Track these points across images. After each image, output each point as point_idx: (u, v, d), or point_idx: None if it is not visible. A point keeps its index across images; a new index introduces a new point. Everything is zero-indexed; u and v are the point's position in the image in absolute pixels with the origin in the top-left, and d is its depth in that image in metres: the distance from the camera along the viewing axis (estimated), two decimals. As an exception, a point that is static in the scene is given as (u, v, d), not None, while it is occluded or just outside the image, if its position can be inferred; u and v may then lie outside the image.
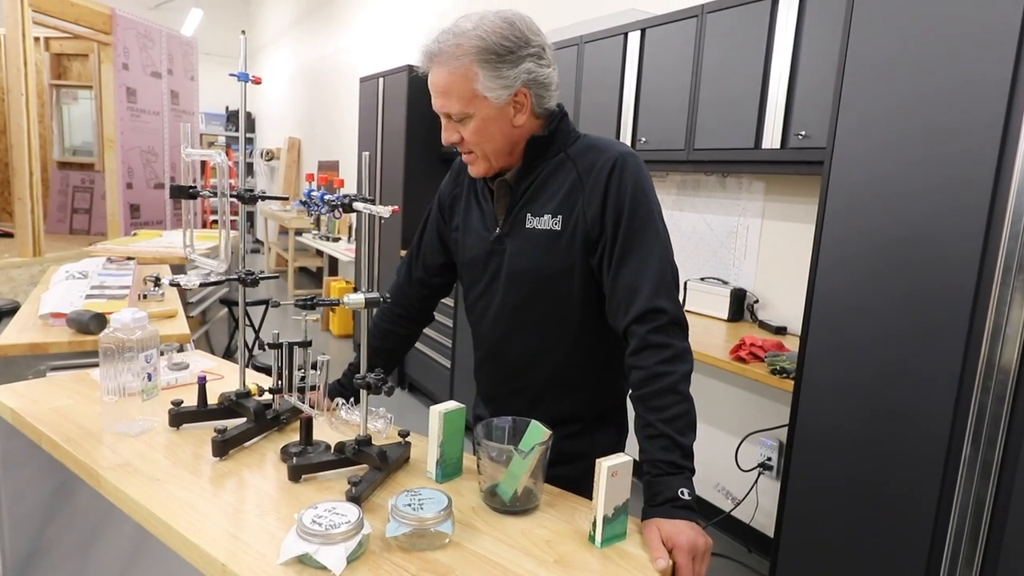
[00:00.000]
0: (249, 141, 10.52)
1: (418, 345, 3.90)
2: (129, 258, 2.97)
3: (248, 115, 10.51)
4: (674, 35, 2.44)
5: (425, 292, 1.38)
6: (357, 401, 1.15)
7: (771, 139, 2.12)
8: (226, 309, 4.19)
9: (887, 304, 1.47)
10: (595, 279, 1.14)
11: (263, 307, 4.08)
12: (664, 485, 0.96)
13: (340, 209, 1.04)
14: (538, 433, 0.98)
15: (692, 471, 0.98)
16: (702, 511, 2.76)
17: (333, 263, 6.73)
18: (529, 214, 1.15)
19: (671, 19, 2.44)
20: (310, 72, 8.11)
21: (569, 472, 1.12)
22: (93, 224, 5.41)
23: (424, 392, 4.03)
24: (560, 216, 1.12)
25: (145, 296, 2.33)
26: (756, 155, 2.18)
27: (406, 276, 1.39)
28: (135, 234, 4.16)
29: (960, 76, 1.32)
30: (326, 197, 1.06)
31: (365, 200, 1.02)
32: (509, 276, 1.18)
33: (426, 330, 1.45)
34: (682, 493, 0.94)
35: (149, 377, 1.20)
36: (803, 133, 2.02)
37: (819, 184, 1.60)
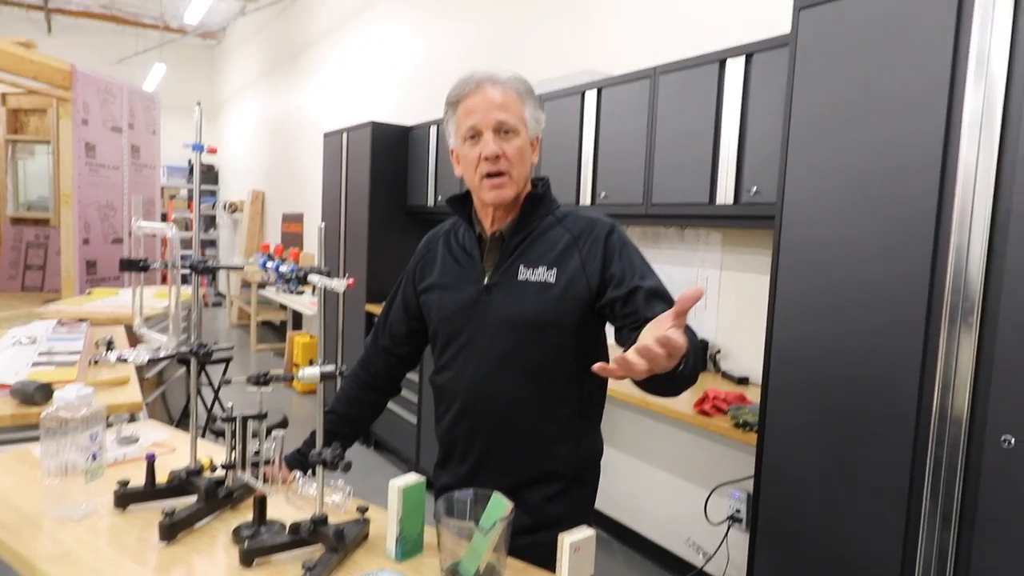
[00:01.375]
0: (212, 193, 10.42)
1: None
2: (81, 319, 2.87)
3: (211, 168, 10.47)
4: (629, 95, 2.52)
5: (392, 361, 1.41)
6: (315, 473, 1.12)
7: (724, 195, 2.18)
8: (184, 368, 4.06)
9: (843, 353, 1.50)
10: (586, 331, 1.21)
11: (223, 365, 3.97)
12: None
13: (296, 281, 1.03)
14: (499, 507, 0.96)
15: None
16: (673, 566, 2.72)
17: (297, 317, 6.63)
18: (522, 266, 1.22)
19: (626, 80, 2.53)
20: (274, 125, 8.14)
21: (547, 538, 1.09)
22: (47, 281, 5.24)
23: (389, 449, 3.94)
24: (555, 269, 1.19)
25: (96, 361, 2.25)
26: (711, 210, 2.24)
27: (373, 344, 1.43)
28: (89, 292, 4.04)
29: (897, 128, 1.39)
30: (281, 269, 1.05)
31: (320, 272, 1.01)
32: (499, 324, 1.21)
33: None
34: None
35: (94, 456, 1.14)
36: (755, 189, 2.09)
37: (772, 236, 1.64)
